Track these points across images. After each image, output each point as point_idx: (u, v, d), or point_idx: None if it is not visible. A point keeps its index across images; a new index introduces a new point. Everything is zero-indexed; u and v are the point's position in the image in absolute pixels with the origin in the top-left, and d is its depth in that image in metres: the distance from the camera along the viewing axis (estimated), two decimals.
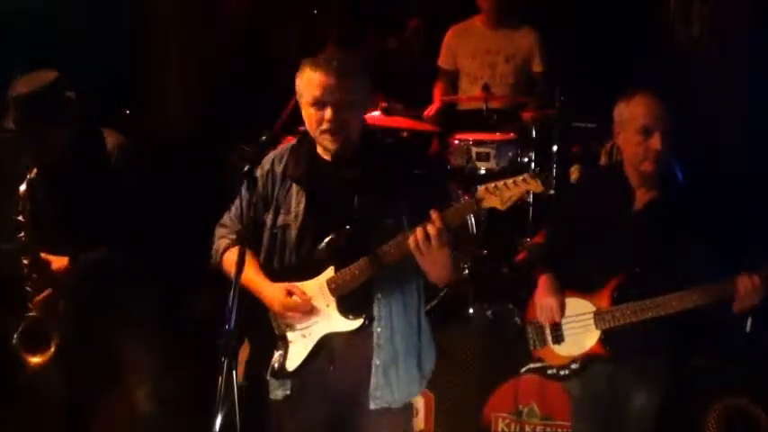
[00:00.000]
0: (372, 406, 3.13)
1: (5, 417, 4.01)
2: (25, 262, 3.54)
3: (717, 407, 4.04)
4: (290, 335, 3.14)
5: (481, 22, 5.78)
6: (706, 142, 5.20)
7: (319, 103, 2.99)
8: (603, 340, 3.44)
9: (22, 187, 3.49)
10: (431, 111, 5.75)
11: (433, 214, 2.86)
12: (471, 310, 4.80)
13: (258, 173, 3.18)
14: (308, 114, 3.04)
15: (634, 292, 3.36)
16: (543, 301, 3.52)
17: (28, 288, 3.57)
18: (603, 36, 5.83)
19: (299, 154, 3.18)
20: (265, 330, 3.16)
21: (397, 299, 3.12)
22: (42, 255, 3.56)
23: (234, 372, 2.69)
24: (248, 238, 3.12)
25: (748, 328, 4.19)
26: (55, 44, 4.73)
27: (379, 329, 3.09)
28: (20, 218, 3.50)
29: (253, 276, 3.13)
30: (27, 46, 4.75)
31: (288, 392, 3.16)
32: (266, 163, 3.22)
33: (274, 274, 3.13)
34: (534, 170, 2.82)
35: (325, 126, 2.99)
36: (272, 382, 3.18)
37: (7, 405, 3.99)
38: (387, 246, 2.96)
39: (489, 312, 4.76)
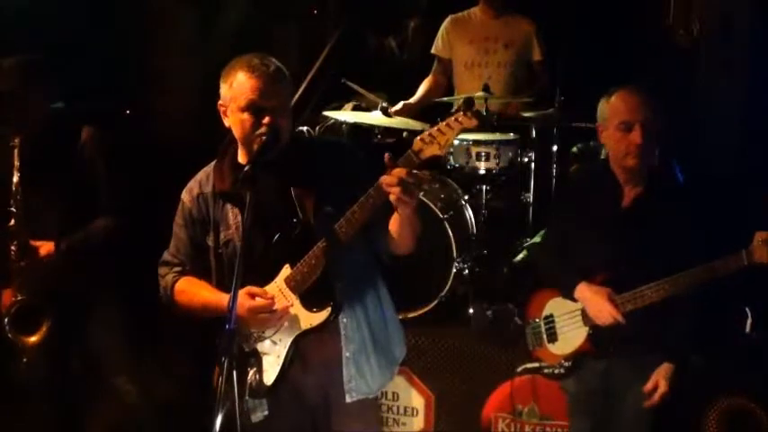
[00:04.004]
0: (348, 399, 3.11)
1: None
2: (13, 248, 3.60)
3: (717, 407, 4.04)
4: (260, 347, 3.08)
5: (480, 12, 5.78)
6: (704, 142, 5.22)
7: (257, 109, 2.97)
8: (592, 336, 3.47)
9: (15, 178, 3.61)
10: (396, 108, 5.66)
11: (387, 171, 2.79)
12: (471, 310, 4.80)
13: (188, 199, 3.16)
14: (242, 119, 2.99)
15: (619, 287, 3.39)
16: (598, 306, 3.44)
17: (15, 274, 3.67)
18: (603, 36, 5.83)
19: (222, 168, 3.14)
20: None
21: (357, 288, 3.11)
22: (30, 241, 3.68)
23: (234, 372, 2.70)
24: (193, 266, 3.15)
25: (748, 328, 4.19)
26: (55, 44, 4.73)
27: (345, 320, 3.07)
28: (12, 209, 3.63)
29: (210, 295, 3.10)
30: (27, 46, 4.75)
31: (266, 412, 3.05)
32: (194, 187, 3.18)
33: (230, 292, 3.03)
34: (461, 107, 2.80)
35: (263, 130, 2.96)
36: (250, 407, 3.05)
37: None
38: (338, 224, 2.92)
39: (489, 312, 4.75)
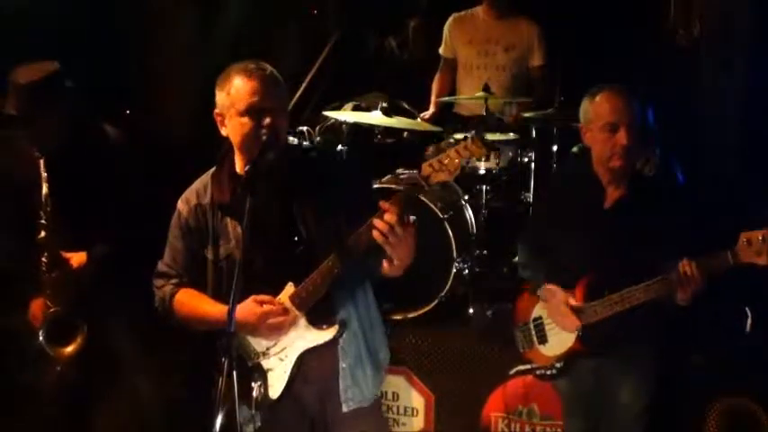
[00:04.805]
0: (345, 408, 3.12)
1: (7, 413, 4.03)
2: (44, 260, 3.57)
3: (717, 407, 4.04)
4: (265, 363, 3.08)
5: (484, 12, 5.77)
6: (704, 142, 5.22)
7: (257, 111, 2.95)
8: (582, 337, 3.47)
9: (45, 189, 3.55)
10: (425, 116, 5.73)
11: (384, 205, 2.82)
12: (471, 310, 4.80)
13: (185, 209, 3.14)
14: (242, 123, 2.97)
15: (605, 287, 3.38)
16: (557, 311, 3.50)
17: (46, 286, 3.63)
18: (604, 36, 5.83)
19: (220, 179, 3.12)
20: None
21: (352, 299, 3.10)
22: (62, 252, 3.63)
23: (234, 372, 2.70)
24: (190, 277, 3.12)
25: (748, 328, 4.19)
26: (55, 44, 4.73)
27: (343, 333, 3.07)
28: (42, 221, 3.57)
29: (211, 308, 3.06)
30: (27, 46, 4.75)
31: (258, 425, 3.05)
32: (192, 197, 3.15)
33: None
34: (471, 135, 2.82)
35: (265, 132, 2.94)
36: (244, 419, 3.03)
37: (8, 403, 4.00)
38: (347, 243, 2.91)
39: (489, 312, 4.75)
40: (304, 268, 2.99)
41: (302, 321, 3.03)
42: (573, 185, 3.64)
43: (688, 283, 3.19)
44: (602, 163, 3.43)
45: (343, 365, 3.10)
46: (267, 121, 2.95)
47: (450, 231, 4.69)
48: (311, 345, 3.04)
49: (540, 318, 3.62)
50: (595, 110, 3.40)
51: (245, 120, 2.96)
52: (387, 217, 2.80)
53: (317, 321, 3.03)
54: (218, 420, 2.68)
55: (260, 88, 2.95)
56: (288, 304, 3.02)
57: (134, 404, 3.98)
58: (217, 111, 3.05)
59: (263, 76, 2.97)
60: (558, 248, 3.56)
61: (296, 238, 3.01)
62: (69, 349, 3.68)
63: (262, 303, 3.00)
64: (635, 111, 3.35)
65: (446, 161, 2.81)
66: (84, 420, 3.93)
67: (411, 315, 4.73)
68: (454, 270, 4.72)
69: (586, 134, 3.47)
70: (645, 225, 3.36)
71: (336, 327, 3.02)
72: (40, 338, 3.65)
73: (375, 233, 2.82)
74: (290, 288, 3.02)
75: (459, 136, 5.20)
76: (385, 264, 2.92)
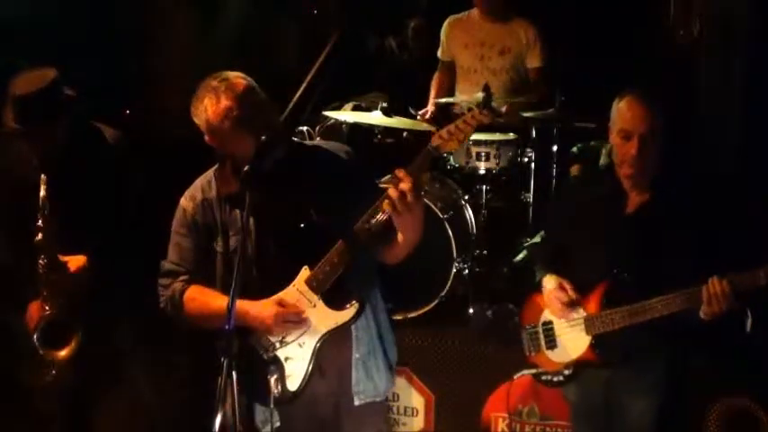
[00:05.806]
0: (357, 402, 3.11)
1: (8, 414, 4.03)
2: (41, 263, 3.56)
3: (717, 407, 4.04)
4: (282, 352, 3.06)
5: (479, 15, 5.75)
6: (704, 142, 5.21)
7: (246, 125, 2.95)
8: (594, 346, 3.41)
9: (42, 192, 3.51)
10: (425, 115, 5.72)
11: (400, 172, 2.84)
12: (471, 310, 4.80)
13: (190, 206, 3.14)
14: (245, 142, 2.97)
15: (623, 296, 3.33)
16: (554, 301, 3.46)
17: (43, 288, 3.59)
18: (604, 36, 5.83)
19: (224, 173, 3.12)
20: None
21: (364, 283, 3.10)
22: (60, 256, 3.59)
23: (234, 372, 2.69)
24: (200, 274, 3.12)
25: (748, 328, 4.19)
26: (55, 44, 4.73)
27: (362, 312, 3.07)
28: (39, 222, 3.52)
29: (223, 302, 2.96)
30: (27, 46, 4.75)
31: (277, 425, 3.04)
32: (197, 193, 3.16)
33: (243, 296, 2.94)
34: (478, 104, 2.84)
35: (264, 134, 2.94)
36: (262, 419, 3.08)
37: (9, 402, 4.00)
38: (361, 222, 2.91)
39: (489, 312, 4.76)
40: (316, 253, 2.99)
41: (320, 304, 3.01)
42: (594, 188, 3.55)
43: (717, 302, 3.14)
44: (617, 168, 3.38)
45: (357, 356, 3.10)
46: (261, 123, 2.97)
47: (450, 231, 4.69)
48: (331, 327, 3.01)
49: (551, 322, 3.53)
50: (616, 113, 3.34)
51: (246, 138, 2.97)
52: (402, 185, 2.82)
53: (335, 302, 3.01)
54: (218, 420, 2.67)
55: (235, 104, 2.95)
56: (304, 288, 3.01)
57: (134, 405, 3.98)
58: (208, 138, 3.03)
59: (230, 87, 2.97)
60: (577, 252, 3.51)
61: (306, 222, 3.01)
62: (63, 353, 3.63)
63: (282, 304, 3.00)
64: (652, 121, 3.27)
65: (455, 131, 2.86)
66: (85, 421, 3.93)
67: (411, 315, 4.73)
68: (454, 270, 4.72)
69: (611, 136, 3.41)
70: (667, 233, 3.30)
71: (356, 305, 3.01)
72: (34, 341, 3.62)
73: (386, 203, 2.84)
74: (305, 272, 3.02)
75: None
76: (399, 236, 2.93)
